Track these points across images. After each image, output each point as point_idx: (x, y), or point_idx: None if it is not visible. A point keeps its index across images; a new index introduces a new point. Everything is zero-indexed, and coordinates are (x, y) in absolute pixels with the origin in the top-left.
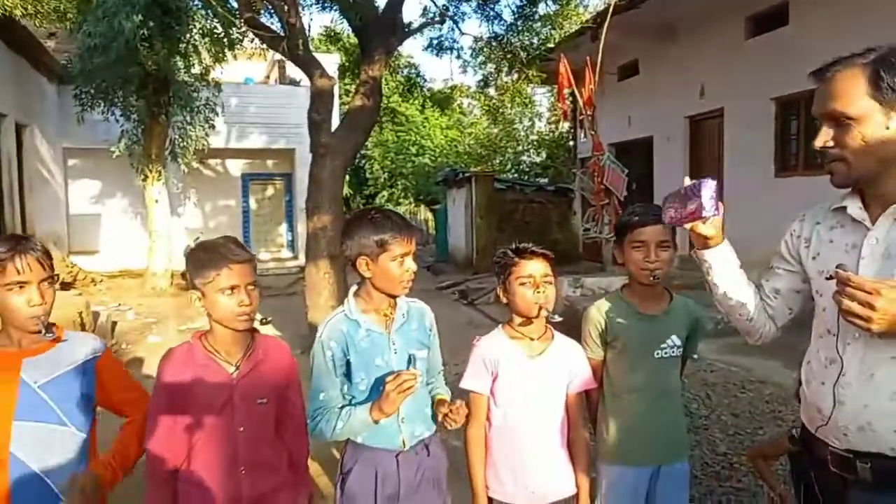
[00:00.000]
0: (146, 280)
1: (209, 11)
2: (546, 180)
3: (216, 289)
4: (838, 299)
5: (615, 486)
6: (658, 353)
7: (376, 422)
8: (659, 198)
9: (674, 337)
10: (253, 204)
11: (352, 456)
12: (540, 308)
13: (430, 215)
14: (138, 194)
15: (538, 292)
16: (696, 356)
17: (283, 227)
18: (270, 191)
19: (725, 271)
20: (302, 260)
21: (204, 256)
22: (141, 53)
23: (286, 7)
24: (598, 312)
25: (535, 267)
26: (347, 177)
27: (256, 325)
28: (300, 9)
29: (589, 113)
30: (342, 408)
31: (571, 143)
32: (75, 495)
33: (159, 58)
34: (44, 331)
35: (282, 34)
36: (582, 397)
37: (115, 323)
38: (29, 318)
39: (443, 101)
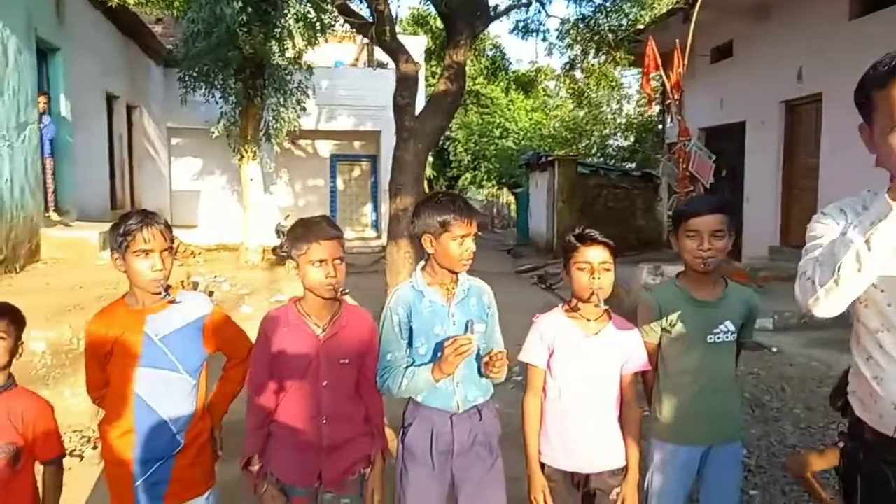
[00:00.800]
0: (240, 254)
1: None
2: (633, 165)
3: (307, 260)
4: None
5: (667, 463)
6: (711, 338)
7: (437, 381)
8: (752, 183)
9: (727, 323)
10: (340, 184)
11: (412, 413)
12: (592, 293)
13: (512, 199)
14: (235, 173)
15: (594, 278)
16: (756, 342)
17: (368, 208)
18: (357, 171)
19: None
20: (385, 239)
21: (300, 231)
22: (239, 38)
23: None
24: (653, 299)
25: (594, 254)
26: (431, 159)
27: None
28: None
29: (676, 97)
30: (407, 368)
31: (661, 126)
32: None
33: (256, 42)
34: (163, 292)
35: (370, 21)
36: (636, 378)
37: (211, 293)
38: (151, 281)
39: (527, 83)
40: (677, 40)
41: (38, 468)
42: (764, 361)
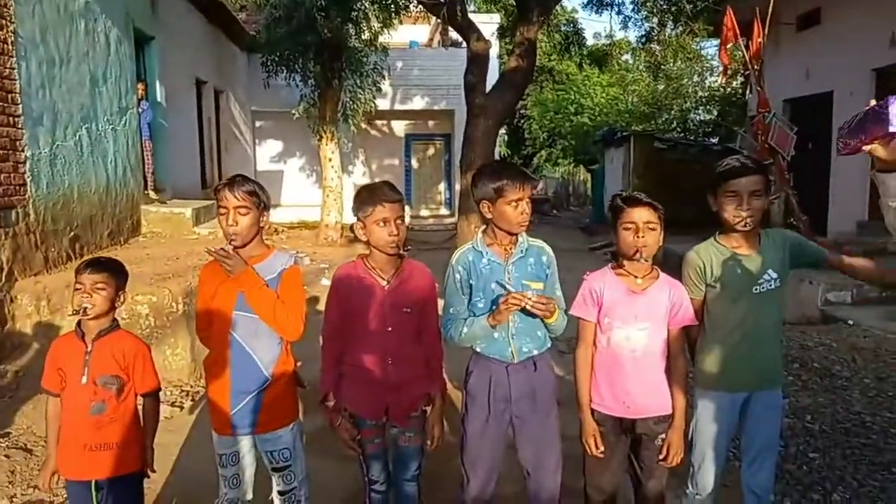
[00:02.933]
0: (320, 231)
1: None
2: (716, 139)
3: (372, 220)
4: None
5: (710, 410)
6: (757, 289)
7: (493, 328)
8: (837, 158)
9: (770, 272)
10: (414, 163)
11: (474, 362)
12: (637, 251)
13: (588, 176)
14: (314, 153)
15: (638, 237)
16: (824, 255)
17: (442, 186)
18: (431, 150)
19: None
20: (457, 217)
21: (364, 195)
22: (318, 23)
23: None
24: (696, 256)
25: (639, 214)
26: (506, 137)
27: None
28: None
29: (756, 67)
30: (466, 318)
31: (747, 98)
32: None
33: (334, 26)
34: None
35: (442, 1)
36: (683, 331)
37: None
38: (227, 234)
39: (601, 58)
40: (758, 9)
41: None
42: (838, 333)
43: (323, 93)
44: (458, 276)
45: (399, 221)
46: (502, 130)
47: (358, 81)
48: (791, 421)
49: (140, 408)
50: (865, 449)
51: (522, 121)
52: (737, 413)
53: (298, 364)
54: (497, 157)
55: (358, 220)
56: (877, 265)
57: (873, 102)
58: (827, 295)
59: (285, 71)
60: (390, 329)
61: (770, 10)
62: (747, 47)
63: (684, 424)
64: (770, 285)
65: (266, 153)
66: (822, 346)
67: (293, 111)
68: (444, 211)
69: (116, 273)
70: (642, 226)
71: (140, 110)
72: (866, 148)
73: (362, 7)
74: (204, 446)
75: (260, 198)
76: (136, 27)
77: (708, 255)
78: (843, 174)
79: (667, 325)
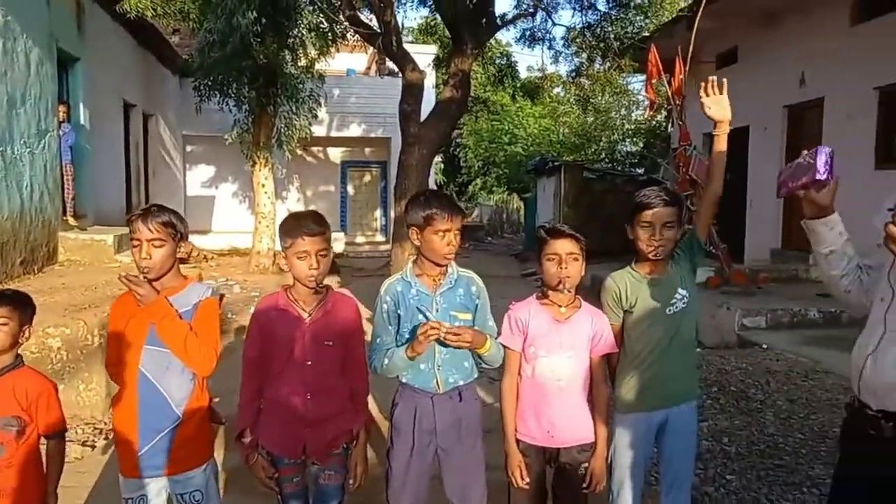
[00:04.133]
0: (252, 258)
1: (315, 8)
2: (642, 170)
3: (293, 253)
4: (887, 226)
5: (627, 434)
6: (669, 310)
7: (411, 359)
8: (754, 186)
9: (679, 290)
10: (351, 190)
11: (400, 394)
12: (560, 281)
13: (521, 204)
14: (247, 179)
15: (561, 267)
16: (696, 233)
17: (378, 213)
18: (367, 177)
19: (832, 241)
20: None
21: (286, 226)
22: (253, 48)
23: (382, 6)
24: (613, 283)
25: (562, 245)
26: (442, 165)
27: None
28: (395, 8)
29: (678, 102)
30: (389, 349)
31: (670, 131)
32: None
33: (269, 52)
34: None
35: (378, 31)
36: (604, 359)
37: (222, 296)
38: (141, 268)
39: (533, 90)
40: (679, 47)
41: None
42: (753, 357)
43: (257, 118)
44: (385, 306)
45: (322, 255)
46: (438, 158)
47: (293, 108)
48: (710, 444)
49: (43, 449)
50: (778, 470)
51: (458, 149)
52: (653, 436)
53: (215, 399)
54: (433, 184)
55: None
56: (787, 290)
57: (805, 152)
58: (743, 320)
59: (218, 95)
60: (310, 363)
61: (691, 48)
62: (670, 83)
63: (606, 452)
64: (682, 304)
65: (197, 178)
66: (738, 369)
67: (226, 136)
68: (379, 238)
69: (20, 306)
70: (565, 257)
71: (61, 133)
72: (800, 193)
73: (299, 34)
74: (117, 488)
75: (176, 228)
76: (60, 47)
77: (623, 281)
78: (758, 205)
79: (589, 354)
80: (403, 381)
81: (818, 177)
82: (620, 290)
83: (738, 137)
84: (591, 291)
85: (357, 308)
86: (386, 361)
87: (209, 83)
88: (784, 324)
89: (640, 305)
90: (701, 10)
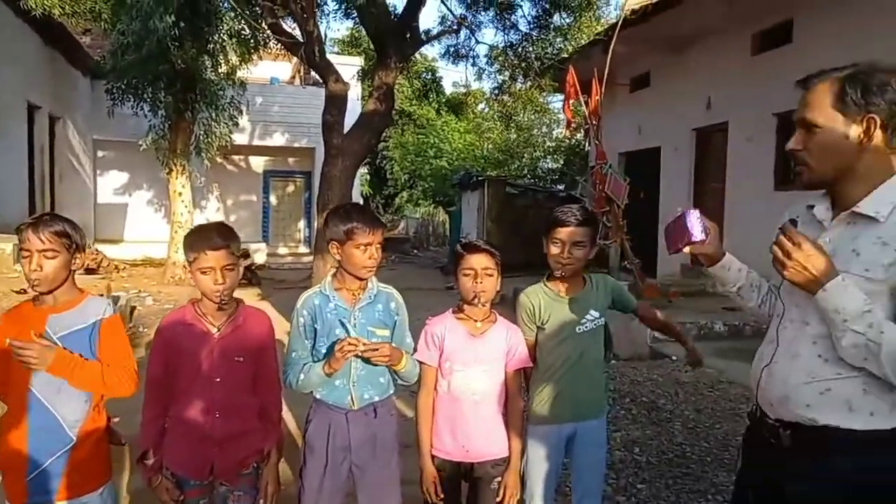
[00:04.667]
0: (167, 269)
1: (237, 14)
2: (563, 187)
3: (196, 268)
4: (772, 246)
5: (539, 445)
6: (580, 329)
7: (329, 375)
8: (666, 204)
9: (592, 311)
10: (273, 200)
11: (314, 410)
12: (475, 296)
13: (447, 217)
14: (163, 187)
15: (477, 282)
16: (635, 306)
17: (302, 223)
18: (291, 188)
19: (735, 279)
20: None
21: (190, 239)
22: (171, 52)
23: (305, 16)
24: (527, 299)
25: (478, 260)
26: (368, 177)
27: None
28: (317, 18)
29: (594, 122)
30: (305, 364)
31: (587, 150)
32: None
33: (188, 57)
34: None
35: (301, 41)
36: (520, 373)
37: (133, 308)
38: (30, 280)
39: (457, 106)
40: (595, 69)
41: None
42: (664, 368)
43: (174, 124)
44: (301, 319)
45: (228, 269)
46: (364, 170)
47: (213, 115)
48: (622, 454)
49: None
50: (686, 478)
51: (384, 162)
52: (563, 447)
53: (115, 419)
54: (359, 196)
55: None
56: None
57: (680, 209)
58: (655, 333)
59: (133, 99)
60: (219, 379)
61: (606, 71)
62: (587, 104)
63: (519, 464)
64: (593, 325)
65: (109, 185)
66: (650, 380)
67: (140, 142)
68: (303, 249)
69: (66, 234)
70: (480, 272)
71: None
72: (686, 250)
73: (220, 40)
74: None
75: (71, 238)
76: None
77: (537, 297)
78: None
79: (504, 368)
80: (317, 397)
81: (695, 239)
82: (534, 307)
83: (652, 157)
84: (511, 305)
85: (269, 322)
86: (302, 377)
87: (123, 86)
88: (692, 336)
89: (552, 322)
90: (616, 35)
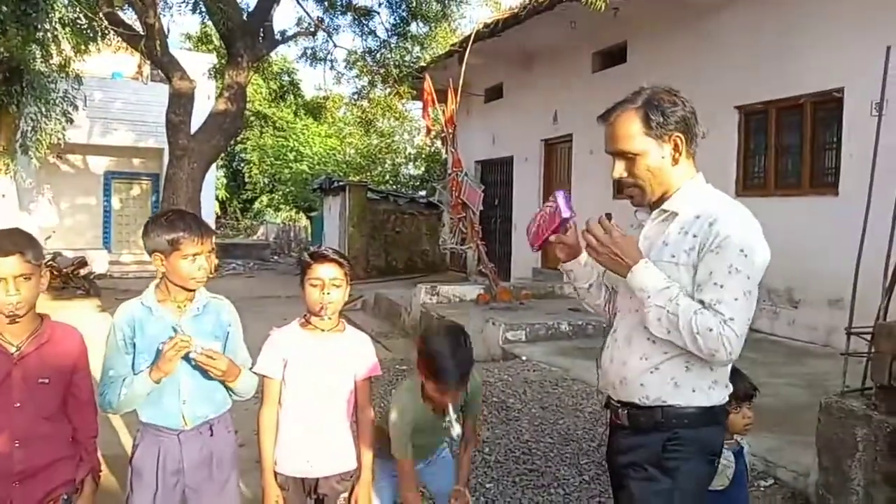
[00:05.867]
0: None
1: (70, 1)
2: (424, 193)
3: None
4: (583, 232)
5: (385, 470)
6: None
7: (157, 382)
8: (518, 211)
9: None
10: (116, 203)
11: (141, 434)
12: (322, 307)
13: (307, 223)
14: None
15: (324, 293)
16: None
17: None
18: (136, 190)
19: (587, 276)
20: None
21: None
22: None
23: (144, 6)
24: (399, 412)
25: (325, 271)
26: (224, 180)
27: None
28: (159, 10)
29: (450, 131)
30: (126, 378)
31: (446, 157)
32: None
33: (13, 45)
34: None
35: (142, 33)
36: (369, 382)
37: None
38: None
39: (316, 109)
40: (451, 79)
41: None
42: (514, 369)
43: None
44: (120, 334)
45: (23, 279)
46: (221, 173)
47: (43, 109)
48: (472, 454)
49: None
50: (531, 474)
51: (242, 164)
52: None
53: None
54: (214, 200)
55: None
56: (545, 306)
57: (546, 203)
58: (506, 334)
59: None
60: (18, 405)
61: (461, 81)
62: (444, 112)
63: (371, 477)
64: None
65: None
66: (500, 381)
67: None
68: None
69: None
70: (328, 282)
71: None
72: (551, 239)
73: (51, 28)
74: None
75: None
76: None
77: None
78: (522, 228)
79: (353, 379)
80: (144, 420)
81: (564, 215)
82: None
83: (505, 166)
84: (374, 309)
85: (81, 339)
86: (124, 391)
87: None
88: (541, 336)
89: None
90: (469, 47)
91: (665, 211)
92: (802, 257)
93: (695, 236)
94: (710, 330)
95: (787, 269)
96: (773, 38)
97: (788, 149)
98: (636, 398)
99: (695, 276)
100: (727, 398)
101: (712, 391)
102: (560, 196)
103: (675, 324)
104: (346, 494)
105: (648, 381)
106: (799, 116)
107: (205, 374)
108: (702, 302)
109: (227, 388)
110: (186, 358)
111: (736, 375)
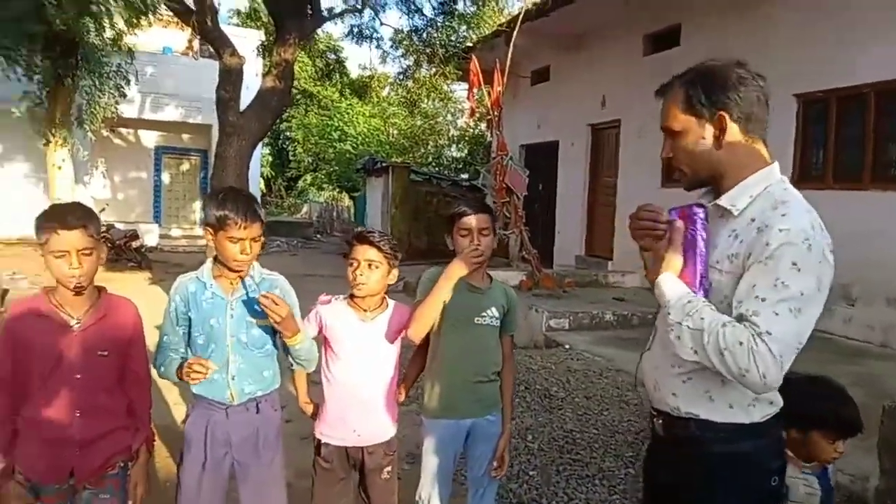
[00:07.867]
0: None
1: None
2: (466, 176)
3: (49, 251)
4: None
5: (435, 438)
6: (479, 320)
7: (181, 379)
8: (562, 197)
9: (492, 309)
10: (166, 178)
11: (193, 405)
12: (357, 286)
13: (350, 202)
14: (40, 159)
15: (357, 273)
16: (512, 332)
17: (197, 204)
18: (186, 166)
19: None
20: None
21: (41, 220)
22: (48, 12)
23: None
24: (429, 280)
25: (363, 252)
26: (270, 158)
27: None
28: None
29: (496, 114)
30: (172, 355)
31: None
32: None
33: (68, 18)
34: None
35: (193, 8)
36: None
37: (6, 290)
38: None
39: (361, 89)
40: (497, 60)
41: None
42: (557, 357)
43: (53, 91)
44: (173, 305)
45: (85, 253)
46: (266, 151)
47: (97, 83)
48: (516, 441)
49: None
50: (575, 464)
51: (287, 143)
52: (461, 440)
53: None
54: (260, 178)
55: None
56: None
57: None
58: (550, 322)
59: (4, 61)
60: (79, 376)
61: (508, 62)
62: (489, 94)
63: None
64: (491, 321)
65: None
66: (544, 368)
67: (13, 109)
68: (199, 231)
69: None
70: (363, 263)
71: None
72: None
73: (105, 1)
74: None
75: None
76: None
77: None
78: (566, 214)
79: (397, 352)
80: (195, 392)
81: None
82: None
83: (550, 150)
84: (414, 291)
85: (136, 312)
86: (163, 369)
87: None
88: (584, 325)
89: (451, 306)
90: (518, 27)
91: (720, 207)
92: (861, 254)
93: (742, 241)
94: (740, 344)
95: (844, 265)
96: (834, 24)
97: (849, 140)
98: (669, 407)
99: (736, 288)
100: (773, 414)
101: (752, 408)
102: (698, 221)
103: (699, 341)
104: (389, 469)
105: (681, 390)
106: (861, 106)
107: (255, 349)
108: (740, 318)
109: (289, 354)
110: (252, 310)
111: (849, 405)
